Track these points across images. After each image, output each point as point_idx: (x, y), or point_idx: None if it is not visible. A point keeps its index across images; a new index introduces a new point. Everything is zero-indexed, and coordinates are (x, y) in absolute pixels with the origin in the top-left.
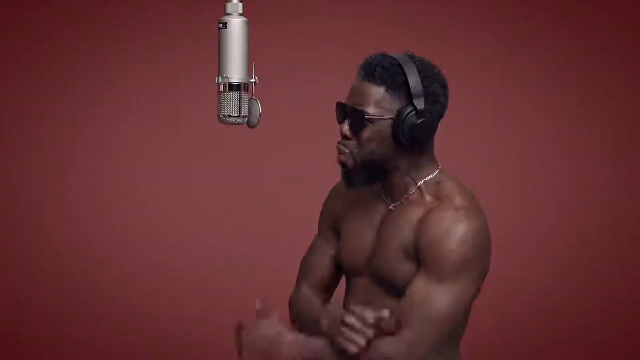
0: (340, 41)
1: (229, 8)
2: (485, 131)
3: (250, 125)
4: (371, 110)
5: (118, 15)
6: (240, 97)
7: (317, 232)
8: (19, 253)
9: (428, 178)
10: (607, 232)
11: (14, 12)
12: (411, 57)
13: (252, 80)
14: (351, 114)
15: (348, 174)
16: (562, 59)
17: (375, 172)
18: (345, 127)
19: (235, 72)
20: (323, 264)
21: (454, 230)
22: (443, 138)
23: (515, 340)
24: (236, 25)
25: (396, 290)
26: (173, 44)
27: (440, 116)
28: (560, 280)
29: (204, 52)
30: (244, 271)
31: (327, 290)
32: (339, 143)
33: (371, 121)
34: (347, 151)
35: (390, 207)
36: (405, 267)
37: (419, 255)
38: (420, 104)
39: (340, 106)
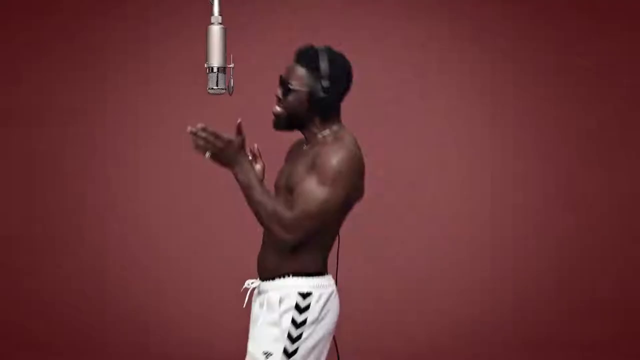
0: (340, 41)
1: (212, 19)
2: (485, 131)
3: (227, 92)
4: (294, 83)
5: (118, 15)
6: (218, 76)
7: None
8: (19, 253)
9: (332, 129)
10: (606, 232)
11: (15, 13)
12: (327, 49)
13: (230, 65)
14: (282, 83)
15: (277, 120)
16: (562, 59)
17: (294, 122)
18: (278, 92)
19: (215, 60)
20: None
21: (336, 152)
22: (442, 137)
23: (513, 339)
24: (216, 31)
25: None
26: (173, 43)
27: (341, 93)
28: (559, 280)
29: (203, 52)
30: (245, 270)
31: None
32: (276, 100)
33: (293, 90)
34: (278, 108)
35: (305, 148)
36: (301, 178)
37: (312, 167)
38: (326, 83)
39: (280, 77)
